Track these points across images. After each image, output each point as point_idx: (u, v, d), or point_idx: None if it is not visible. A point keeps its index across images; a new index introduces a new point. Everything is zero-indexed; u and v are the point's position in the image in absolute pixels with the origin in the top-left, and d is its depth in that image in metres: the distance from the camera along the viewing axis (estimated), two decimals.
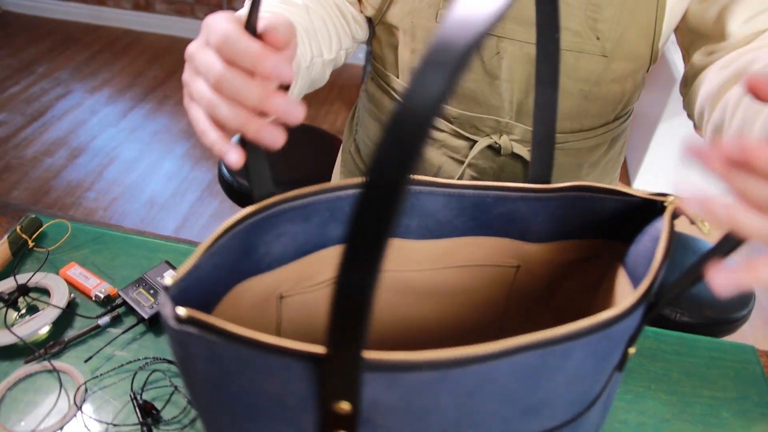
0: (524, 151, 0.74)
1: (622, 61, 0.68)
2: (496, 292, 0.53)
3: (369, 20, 0.78)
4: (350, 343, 0.28)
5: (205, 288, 0.38)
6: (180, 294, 0.34)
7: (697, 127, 0.67)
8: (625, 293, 0.46)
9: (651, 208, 0.46)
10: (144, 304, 0.71)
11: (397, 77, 0.78)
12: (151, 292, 0.72)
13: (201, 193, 2.25)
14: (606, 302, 0.49)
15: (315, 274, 0.47)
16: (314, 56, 0.64)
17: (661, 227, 0.43)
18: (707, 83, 0.62)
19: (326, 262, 0.46)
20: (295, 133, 1.51)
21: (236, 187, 1.34)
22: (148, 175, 2.32)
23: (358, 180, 0.42)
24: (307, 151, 1.46)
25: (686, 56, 0.70)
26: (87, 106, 2.68)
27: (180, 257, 0.79)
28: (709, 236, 2.16)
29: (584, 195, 0.47)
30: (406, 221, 0.45)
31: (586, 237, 0.48)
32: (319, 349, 0.30)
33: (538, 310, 0.55)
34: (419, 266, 0.48)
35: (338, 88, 2.98)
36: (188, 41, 3.33)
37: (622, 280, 0.48)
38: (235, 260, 0.40)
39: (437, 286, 0.50)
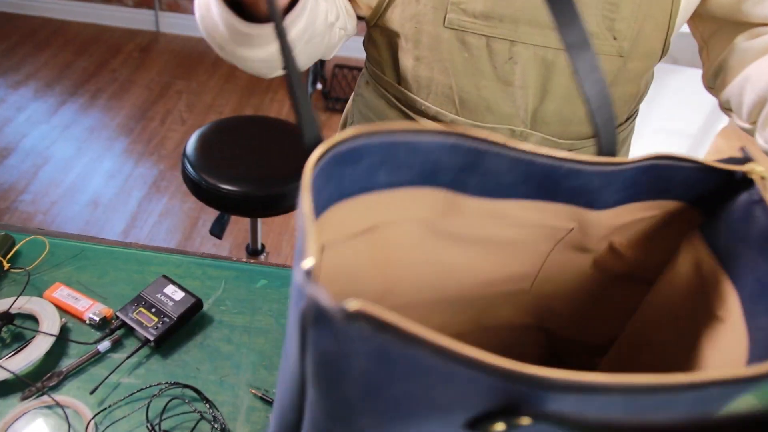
0: None
1: (637, 61, 0.67)
2: (540, 248, 0.51)
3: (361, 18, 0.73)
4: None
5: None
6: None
7: (743, 119, 0.67)
8: (713, 281, 0.45)
9: (728, 178, 0.45)
10: (147, 324, 0.65)
11: (398, 84, 0.73)
12: (153, 311, 0.66)
13: (148, 190, 2.14)
14: (678, 276, 0.48)
15: (355, 222, 0.43)
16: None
17: (755, 202, 0.42)
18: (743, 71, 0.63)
19: (369, 210, 0.43)
20: (251, 126, 1.45)
21: (203, 186, 1.27)
22: (87, 175, 2.19)
23: (419, 127, 0.39)
24: (269, 144, 1.40)
25: (704, 47, 0.70)
26: (12, 103, 2.49)
27: (174, 269, 0.74)
28: None
29: (661, 163, 0.44)
30: (464, 176, 0.43)
31: (655, 199, 0.47)
32: (531, 370, 0.27)
33: (580, 264, 0.53)
34: (469, 222, 0.46)
35: (282, 76, 2.89)
36: (117, 30, 3.15)
37: (706, 259, 0.46)
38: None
39: (480, 238, 0.48)
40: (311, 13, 0.58)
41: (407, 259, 0.49)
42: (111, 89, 2.69)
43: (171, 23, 3.21)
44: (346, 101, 1.84)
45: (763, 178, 0.43)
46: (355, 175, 0.42)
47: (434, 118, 0.74)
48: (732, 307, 0.44)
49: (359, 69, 1.45)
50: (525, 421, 0.29)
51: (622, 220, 0.49)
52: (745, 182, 0.43)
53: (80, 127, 2.41)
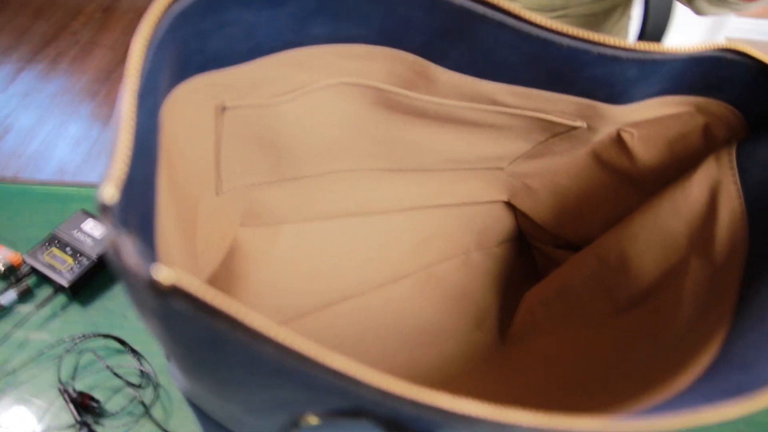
0: None
1: None
2: (530, 136, 0.39)
3: None
4: None
5: (147, 142, 0.22)
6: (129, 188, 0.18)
7: None
8: (728, 212, 0.32)
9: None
10: (60, 267, 0.53)
11: None
12: (68, 250, 0.54)
13: None
14: (687, 195, 0.35)
15: (275, 81, 0.31)
16: None
17: None
18: None
19: (298, 66, 0.31)
20: None
21: None
22: (52, 142, 2.05)
23: None
24: None
25: None
26: None
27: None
28: None
29: (728, 56, 0.31)
30: (443, 44, 0.30)
31: (698, 95, 0.34)
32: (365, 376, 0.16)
33: (575, 152, 0.41)
34: (439, 98, 0.34)
35: None
36: None
37: (733, 196, 0.33)
38: (166, 67, 0.25)
39: (453, 118, 0.35)
40: None
41: (331, 127, 0.36)
42: (72, 52, 2.53)
43: None
44: None
45: None
46: (276, 23, 0.29)
47: None
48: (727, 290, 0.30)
49: None
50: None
51: (645, 115, 0.36)
52: None
53: (41, 93, 2.26)
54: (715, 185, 0.33)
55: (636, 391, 0.27)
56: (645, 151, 0.38)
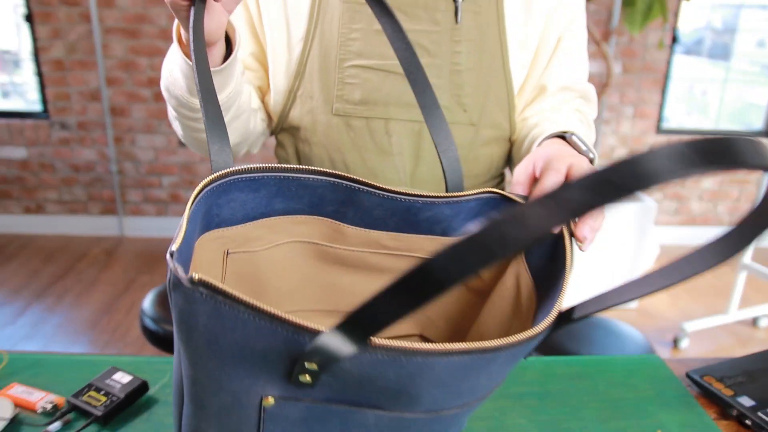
0: None
1: (488, 129, 0.85)
2: None
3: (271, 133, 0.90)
4: (352, 336, 0.35)
5: (187, 248, 0.44)
6: (178, 257, 0.40)
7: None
8: (526, 287, 0.55)
9: None
10: (95, 404, 0.70)
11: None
12: (102, 392, 0.72)
13: None
14: (512, 290, 0.58)
15: (257, 238, 0.54)
16: (243, 83, 0.75)
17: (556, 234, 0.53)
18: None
19: (269, 229, 0.54)
20: None
21: (161, 334, 1.34)
22: None
23: (306, 167, 0.51)
24: None
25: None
26: None
27: (126, 365, 0.80)
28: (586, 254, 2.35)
29: (494, 197, 0.57)
30: (344, 209, 0.54)
31: None
32: (310, 325, 0.37)
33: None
34: (351, 246, 0.57)
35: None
36: (82, 239, 3.33)
37: (524, 274, 0.56)
38: (199, 221, 0.48)
39: (364, 263, 0.58)
40: (237, 82, 0.72)
41: (293, 275, 0.59)
42: (77, 289, 2.79)
43: (134, 226, 3.41)
44: None
45: None
46: (256, 201, 0.54)
47: None
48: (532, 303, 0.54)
49: None
50: (312, 366, 0.38)
51: None
52: None
53: (47, 325, 2.47)
54: (517, 274, 0.55)
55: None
56: (488, 273, 0.61)
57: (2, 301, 2.64)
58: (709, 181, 3.47)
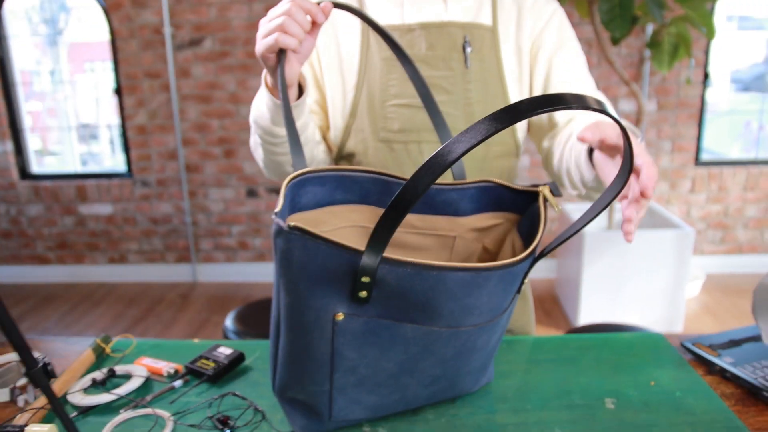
0: None
1: (496, 146, 1.07)
2: (441, 255, 0.82)
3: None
4: (377, 248, 0.57)
5: (282, 218, 0.67)
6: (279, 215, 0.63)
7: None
8: (518, 249, 0.76)
9: (532, 194, 0.78)
10: (206, 368, 0.92)
11: None
12: (210, 360, 0.94)
13: None
14: (509, 253, 0.78)
15: (325, 221, 0.76)
16: (309, 120, 0.99)
17: (537, 207, 0.74)
18: (558, 154, 1.01)
19: (332, 215, 0.75)
20: None
21: None
22: None
23: (355, 167, 0.74)
24: None
25: (538, 145, 1.10)
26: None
27: (226, 345, 1.02)
28: (559, 215, 2.48)
29: (490, 184, 0.78)
30: (384, 198, 0.77)
31: (494, 211, 0.79)
32: (359, 247, 0.59)
33: (471, 260, 0.83)
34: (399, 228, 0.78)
35: None
36: (160, 285, 3.65)
37: (517, 240, 0.78)
38: (287, 204, 0.70)
39: (401, 242, 0.79)
40: (306, 117, 0.97)
41: None
42: (156, 329, 3.08)
43: (206, 273, 3.71)
44: None
45: (544, 196, 0.76)
46: (323, 192, 0.76)
47: None
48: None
49: None
50: (366, 279, 0.59)
51: (482, 224, 0.82)
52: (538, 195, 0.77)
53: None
54: (513, 240, 0.76)
55: None
56: (495, 248, 0.81)
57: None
58: (753, 209, 3.53)
